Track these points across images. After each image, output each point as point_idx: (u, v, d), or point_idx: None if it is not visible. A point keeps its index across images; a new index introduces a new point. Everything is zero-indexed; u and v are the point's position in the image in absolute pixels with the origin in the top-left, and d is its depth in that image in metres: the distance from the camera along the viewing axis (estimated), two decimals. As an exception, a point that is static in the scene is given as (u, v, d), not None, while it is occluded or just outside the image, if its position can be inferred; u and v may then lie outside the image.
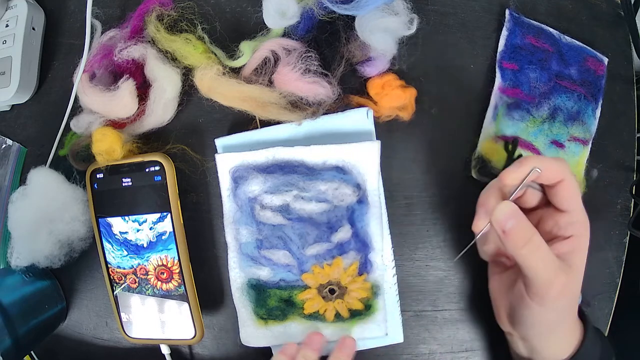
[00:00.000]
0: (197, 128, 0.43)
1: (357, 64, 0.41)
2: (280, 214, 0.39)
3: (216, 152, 0.41)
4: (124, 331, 0.42)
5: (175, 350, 0.44)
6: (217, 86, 0.39)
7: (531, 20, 0.44)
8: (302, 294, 0.40)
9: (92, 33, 0.41)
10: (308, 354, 0.37)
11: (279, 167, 0.39)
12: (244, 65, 0.40)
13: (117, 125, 0.40)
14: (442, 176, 0.43)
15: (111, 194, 0.41)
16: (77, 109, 0.42)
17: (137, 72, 0.40)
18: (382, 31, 0.38)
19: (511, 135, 0.43)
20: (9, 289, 0.40)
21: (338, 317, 0.39)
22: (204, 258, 0.43)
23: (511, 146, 0.43)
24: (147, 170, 0.40)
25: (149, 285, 0.41)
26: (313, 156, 0.39)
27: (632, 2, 0.45)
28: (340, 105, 0.40)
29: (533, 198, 0.36)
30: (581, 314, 0.37)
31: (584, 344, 0.35)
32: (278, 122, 0.40)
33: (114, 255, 0.41)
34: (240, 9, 0.43)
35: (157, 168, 0.40)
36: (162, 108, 0.40)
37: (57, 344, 0.45)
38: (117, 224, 0.41)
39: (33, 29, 0.43)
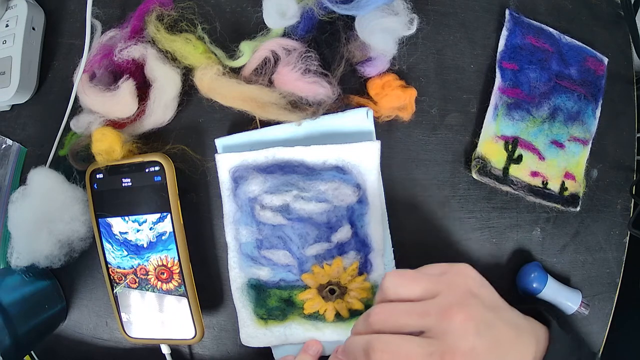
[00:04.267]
0: (197, 128, 0.43)
1: (357, 64, 0.41)
2: (280, 214, 0.39)
3: (216, 152, 0.41)
4: (124, 331, 0.42)
5: (175, 350, 0.44)
6: (217, 86, 0.39)
7: (531, 20, 0.44)
8: (302, 294, 0.40)
9: (92, 33, 0.41)
10: (305, 359, 0.38)
11: (278, 167, 0.39)
12: (244, 66, 0.40)
13: (117, 125, 0.40)
14: (442, 176, 0.43)
15: (111, 194, 0.41)
16: (77, 109, 0.42)
17: (137, 72, 0.40)
18: (382, 31, 0.38)
19: (511, 135, 0.43)
20: (9, 289, 0.40)
21: (338, 317, 0.39)
22: (204, 258, 0.43)
23: (511, 146, 0.43)
24: (147, 170, 0.40)
25: (149, 285, 0.41)
26: (313, 156, 0.39)
27: (632, 2, 0.45)
28: (340, 105, 0.40)
29: None
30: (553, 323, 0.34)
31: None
32: (278, 122, 0.40)
33: (114, 256, 0.41)
34: (240, 9, 0.43)
35: (157, 168, 0.40)
36: (162, 108, 0.40)
37: (57, 344, 0.45)
38: (117, 224, 0.41)
39: (33, 29, 0.43)
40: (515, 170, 0.42)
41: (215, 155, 0.40)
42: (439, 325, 0.28)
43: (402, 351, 0.28)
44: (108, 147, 0.39)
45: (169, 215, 0.39)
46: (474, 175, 0.42)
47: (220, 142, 0.41)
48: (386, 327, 0.30)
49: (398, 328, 0.29)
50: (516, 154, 0.43)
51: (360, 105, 0.40)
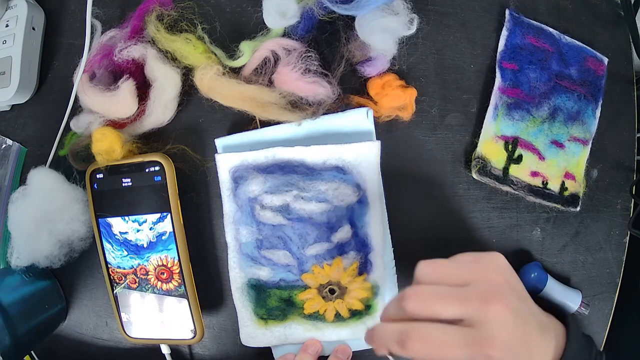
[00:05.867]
0: (197, 128, 0.43)
1: (357, 64, 0.41)
2: (280, 214, 0.39)
3: (216, 152, 0.41)
4: (124, 331, 0.42)
5: (175, 350, 0.44)
6: (217, 86, 0.39)
7: (531, 20, 0.44)
8: (302, 294, 0.40)
9: (92, 33, 0.41)
10: (305, 358, 0.38)
11: (279, 167, 0.39)
12: (244, 65, 0.40)
13: (117, 125, 0.40)
14: (442, 176, 0.43)
15: (111, 194, 0.41)
16: (77, 109, 0.42)
17: (137, 72, 0.40)
18: (382, 31, 0.38)
19: (511, 135, 0.43)
20: (9, 289, 0.40)
21: (338, 317, 0.39)
22: (204, 258, 0.43)
23: (511, 146, 0.43)
24: (147, 170, 0.40)
25: (149, 285, 0.41)
26: (313, 156, 0.39)
27: (632, 2, 0.45)
28: (340, 105, 0.40)
29: None
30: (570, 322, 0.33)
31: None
32: (278, 122, 0.40)
33: (114, 256, 0.41)
34: (240, 9, 0.43)
35: (157, 168, 0.40)
36: (162, 108, 0.40)
37: (57, 344, 0.45)
38: (117, 224, 0.41)
39: (33, 29, 0.43)
40: (515, 170, 0.42)
41: (215, 155, 0.40)
42: (478, 313, 0.27)
43: (439, 340, 0.27)
44: (108, 147, 0.39)
45: (169, 215, 0.39)
46: (474, 175, 0.42)
47: (220, 142, 0.41)
48: (423, 314, 0.28)
49: (435, 314, 0.28)
50: (516, 154, 0.43)
51: (360, 105, 0.40)
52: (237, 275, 0.40)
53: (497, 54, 0.43)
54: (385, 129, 0.42)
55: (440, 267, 0.31)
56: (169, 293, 0.40)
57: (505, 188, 0.42)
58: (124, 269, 0.41)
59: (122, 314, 0.42)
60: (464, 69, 0.44)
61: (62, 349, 0.46)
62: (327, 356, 0.40)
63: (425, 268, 0.30)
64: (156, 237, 0.40)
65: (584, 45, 0.45)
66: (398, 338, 0.28)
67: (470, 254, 0.32)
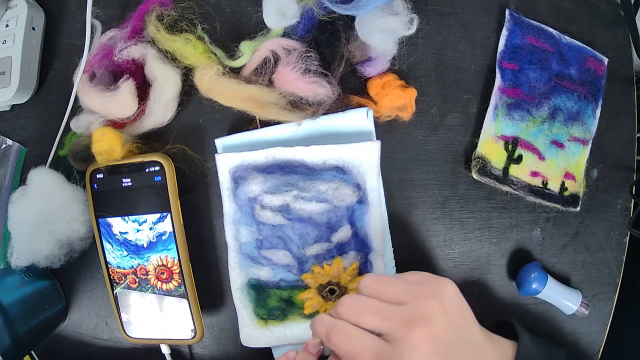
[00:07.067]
0: (197, 128, 0.43)
1: (357, 64, 0.41)
2: (280, 214, 0.39)
3: (216, 152, 0.41)
4: (124, 331, 0.42)
5: (175, 350, 0.44)
6: (217, 86, 0.39)
7: (531, 20, 0.44)
8: (302, 294, 0.40)
9: (92, 33, 0.41)
10: (306, 358, 0.38)
11: (279, 167, 0.39)
12: (244, 65, 0.40)
13: (117, 125, 0.40)
14: (442, 176, 0.43)
15: (111, 194, 0.41)
16: (77, 109, 0.42)
17: (137, 72, 0.40)
18: (382, 31, 0.38)
19: (511, 135, 0.43)
20: (9, 289, 0.40)
21: (338, 317, 0.39)
22: (204, 258, 0.43)
23: (511, 146, 0.43)
24: (147, 170, 0.40)
25: (149, 285, 0.41)
26: (313, 156, 0.39)
27: (632, 2, 0.45)
28: (340, 105, 0.40)
29: None
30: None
31: None
32: (278, 122, 0.40)
33: (114, 256, 0.41)
34: (240, 9, 0.43)
35: (157, 168, 0.40)
36: (162, 108, 0.40)
37: (57, 344, 0.45)
38: (117, 224, 0.41)
39: (33, 29, 0.43)
40: (515, 170, 0.42)
41: (215, 155, 0.40)
42: (398, 333, 0.29)
43: (355, 341, 0.30)
44: (108, 147, 0.39)
45: (169, 215, 0.39)
46: (474, 175, 0.42)
47: (220, 142, 0.41)
48: (350, 320, 0.31)
49: (359, 323, 0.31)
50: (516, 154, 0.43)
51: (360, 105, 0.40)
52: (237, 275, 0.40)
53: (497, 54, 0.43)
54: (385, 129, 0.42)
55: (381, 283, 0.32)
56: (169, 293, 0.40)
57: (505, 188, 0.42)
58: (124, 269, 0.41)
59: (122, 314, 0.42)
60: (464, 69, 0.44)
61: (62, 349, 0.46)
62: (328, 356, 0.40)
63: (367, 281, 0.33)
64: (156, 237, 0.40)
65: (584, 45, 0.45)
66: (326, 329, 0.31)
67: (422, 275, 0.33)
